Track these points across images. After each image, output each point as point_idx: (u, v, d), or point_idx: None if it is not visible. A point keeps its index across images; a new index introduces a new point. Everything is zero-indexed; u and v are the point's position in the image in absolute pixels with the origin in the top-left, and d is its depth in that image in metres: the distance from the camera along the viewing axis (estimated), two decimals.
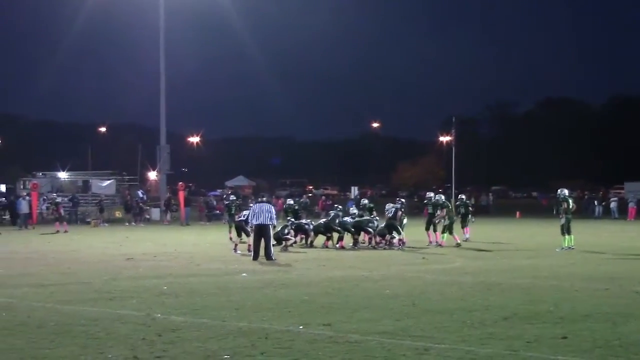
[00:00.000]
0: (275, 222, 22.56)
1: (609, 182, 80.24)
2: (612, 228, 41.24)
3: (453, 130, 72.79)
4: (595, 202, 57.18)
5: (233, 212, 28.07)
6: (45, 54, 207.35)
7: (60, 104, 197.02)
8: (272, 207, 23.07)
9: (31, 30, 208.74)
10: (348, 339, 10.18)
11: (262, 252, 21.66)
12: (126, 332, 10.66)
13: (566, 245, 24.94)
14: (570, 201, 25.58)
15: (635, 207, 53.72)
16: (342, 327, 10.98)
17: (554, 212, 26.29)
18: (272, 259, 21.30)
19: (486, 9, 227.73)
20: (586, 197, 61.91)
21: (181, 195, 48.54)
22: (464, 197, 32.45)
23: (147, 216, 48.79)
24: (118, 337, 10.32)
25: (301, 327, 11.06)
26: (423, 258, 22.64)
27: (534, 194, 77.95)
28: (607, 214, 55.13)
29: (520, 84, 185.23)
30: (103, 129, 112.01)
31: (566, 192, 25.65)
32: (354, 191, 64.98)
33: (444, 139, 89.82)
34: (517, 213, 55.23)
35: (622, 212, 54.19)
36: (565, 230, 25.04)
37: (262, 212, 21.75)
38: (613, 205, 55.68)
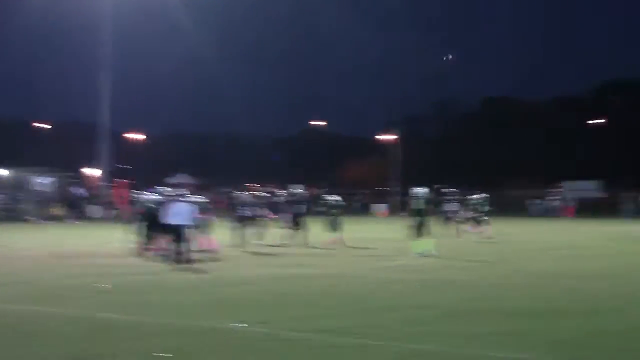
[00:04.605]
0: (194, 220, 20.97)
1: (550, 181, 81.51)
2: (551, 226, 42.03)
3: (398, 129, 73.40)
4: (538, 201, 58.34)
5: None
6: None
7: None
8: (192, 205, 21.27)
9: None
10: (286, 336, 10.16)
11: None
12: (66, 331, 10.49)
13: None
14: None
15: (573, 206, 54.92)
16: (280, 325, 10.96)
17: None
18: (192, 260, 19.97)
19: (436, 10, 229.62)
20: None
21: (124, 193, 47.89)
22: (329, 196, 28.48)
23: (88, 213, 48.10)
24: (57, 336, 10.15)
25: (240, 324, 11.00)
26: (371, 256, 22.78)
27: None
28: (550, 212, 56.33)
29: (464, 82, 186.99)
30: (44, 125, 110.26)
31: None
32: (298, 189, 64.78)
33: (390, 137, 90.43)
34: None
35: (563, 210, 55.39)
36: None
37: (181, 211, 20.27)
38: (555, 203, 56.96)
